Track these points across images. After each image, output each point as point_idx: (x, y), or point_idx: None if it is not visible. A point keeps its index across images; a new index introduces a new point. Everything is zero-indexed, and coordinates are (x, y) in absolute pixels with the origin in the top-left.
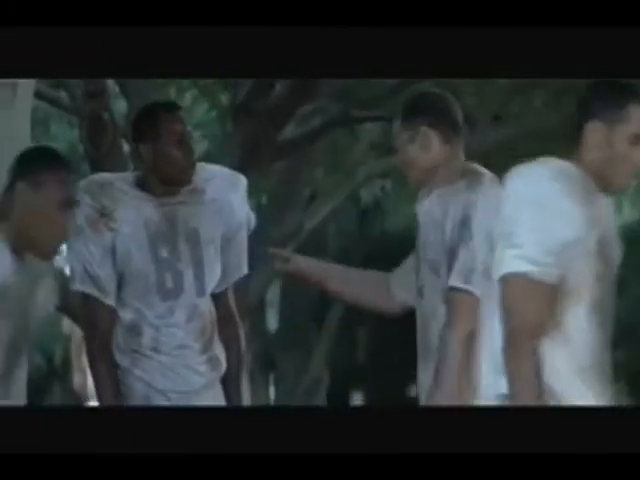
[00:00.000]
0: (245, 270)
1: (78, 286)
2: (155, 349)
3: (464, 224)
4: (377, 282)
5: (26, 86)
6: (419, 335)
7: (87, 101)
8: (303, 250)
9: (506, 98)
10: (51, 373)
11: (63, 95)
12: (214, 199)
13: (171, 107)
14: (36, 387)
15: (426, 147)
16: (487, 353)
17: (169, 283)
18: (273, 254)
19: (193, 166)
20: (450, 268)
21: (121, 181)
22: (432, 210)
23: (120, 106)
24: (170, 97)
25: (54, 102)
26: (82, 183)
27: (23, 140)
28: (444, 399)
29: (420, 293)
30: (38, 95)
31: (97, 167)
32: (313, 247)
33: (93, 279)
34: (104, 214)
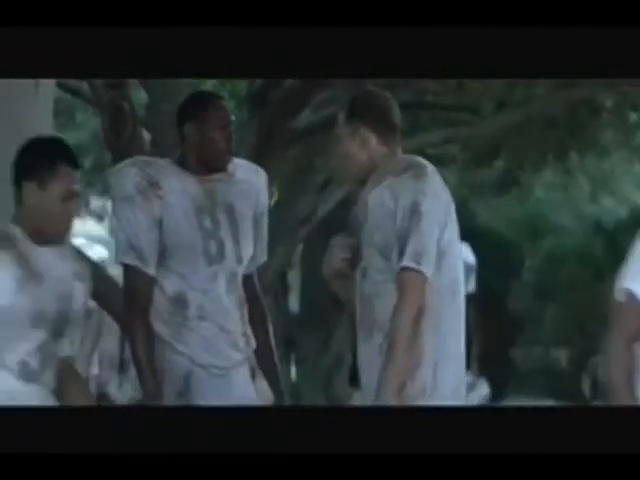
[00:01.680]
0: (265, 257)
1: (121, 258)
2: (202, 317)
3: (414, 211)
4: None
5: (48, 81)
6: (361, 313)
7: (108, 91)
8: (317, 234)
9: (510, 85)
10: None
11: (85, 86)
12: (243, 180)
13: (217, 97)
14: None
15: (364, 146)
16: (433, 331)
17: (213, 249)
18: None
19: (231, 154)
20: (402, 251)
21: (161, 160)
22: (383, 197)
23: (140, 96)
24: (191, 86)
25: (76, 93)
26: (125, 161)
27: (45, 132)
28: (396, 372)
29: (364, 274)
30: (60, 86)
31: (118, 156)
32: (326, 231)
33: (135, 250)
34: (152, 182)
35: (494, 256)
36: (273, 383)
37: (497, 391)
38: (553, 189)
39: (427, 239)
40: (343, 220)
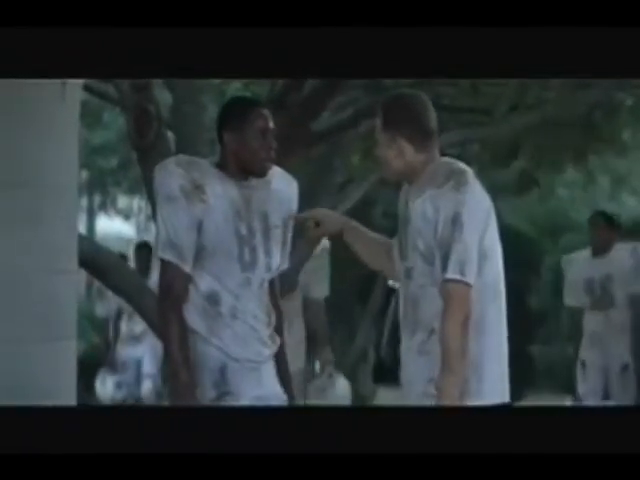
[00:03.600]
0: (287, 264)
1: (161, 254)
2: (233, 315)
3: (455, 222)
4: (382, 244)
5: (75, 81)
6: (405, 310)
7: (133, 94)
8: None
9: (527, 86)
10: None
11: (111, 89)
12: (278, 189)
13: (259, 104)
14: None
15: (401, 156)
16: (477, 333)
17: (247, 256)
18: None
19: (271, 161)
20: (445, 261)
21: (203, 161)
22: (425, 209)
23: (165, 98)
24: (215, 88)
25: (102, 95)
26: (171, 159)
27: (71, 134)
28: (454, 381)
29: (408, 274)
30: (87, 89)
31: (143, 156)
32: None
33: (175, 248)
34: (197, 186)
35: (515, 253)
36: (285, 386)
37: (516, 387)
38: (572, 188)
39: (469, 248)
40: (362, 218)
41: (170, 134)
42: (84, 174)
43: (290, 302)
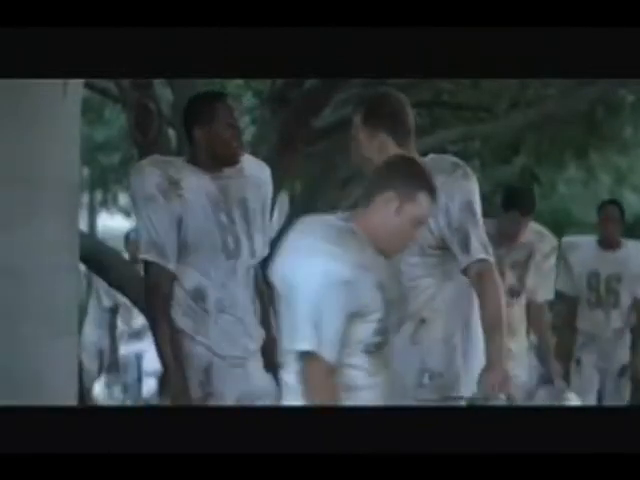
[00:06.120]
0: (267, 250)
1: (143, 255)
2: (220, 310)
3: (469, 207)
4: None
5: (76, 80)
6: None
7: (134, 91)
8: None
9: (524, 84)
10: None
11: (112, 86)
12: (252, 175)
13: (222, 96)
14: None
15: (382, 150)
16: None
17: (231, 244)
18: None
19: (242, 148)
20: (466, 245)
21: (176, 159)
22: (438, 197)
23: (166, 95)
24: (216, 85)
25: (104, 92)
26: (145, 161)
27: (73, 131)
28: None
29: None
30: (88, 86)
31: (145, 153)
32: None
33: (157, 247)
34: (173, 182)
35: None
36: (275, 375)
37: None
38: (574, 184)
39: (483, 231)
40: None
41: (171, 131)
42: (85, 171)
43: (513, 307)
